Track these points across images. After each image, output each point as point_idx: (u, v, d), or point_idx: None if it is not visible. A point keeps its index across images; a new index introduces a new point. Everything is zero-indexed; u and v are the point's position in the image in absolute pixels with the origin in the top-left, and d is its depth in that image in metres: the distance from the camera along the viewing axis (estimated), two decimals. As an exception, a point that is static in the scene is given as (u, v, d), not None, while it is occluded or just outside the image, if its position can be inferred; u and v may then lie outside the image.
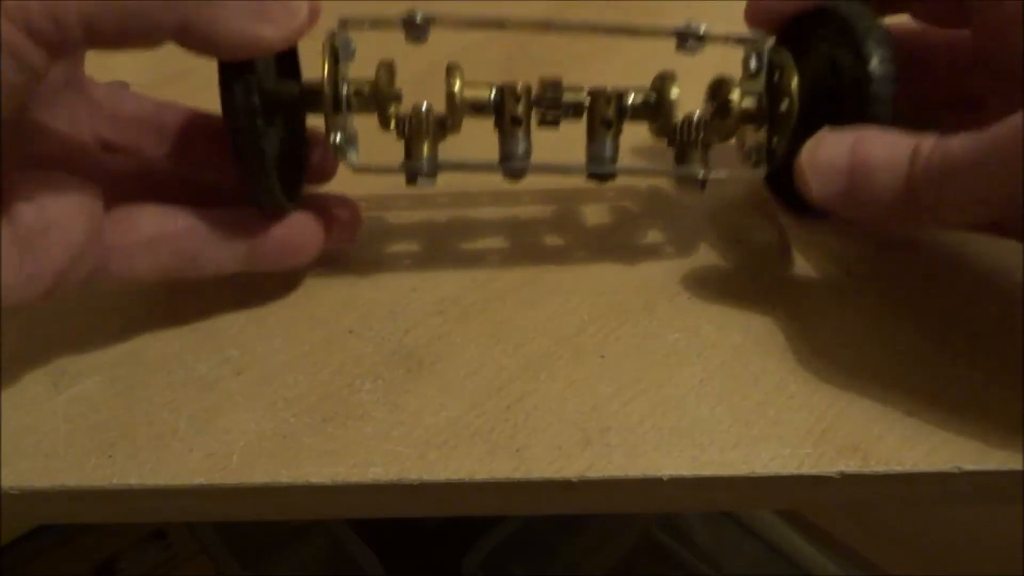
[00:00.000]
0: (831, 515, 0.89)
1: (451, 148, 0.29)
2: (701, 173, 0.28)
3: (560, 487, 0.25)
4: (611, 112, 0.28)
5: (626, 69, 0.31)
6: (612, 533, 0.94)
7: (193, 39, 0.23)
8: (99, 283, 0.27)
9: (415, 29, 0.27)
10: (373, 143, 0.29)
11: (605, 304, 0.30)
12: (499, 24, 0.28)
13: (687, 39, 0.28)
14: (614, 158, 0.28)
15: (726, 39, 0.29)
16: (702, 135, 0.28)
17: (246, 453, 0.25)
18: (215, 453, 0.25)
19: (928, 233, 0.31)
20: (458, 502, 0.26)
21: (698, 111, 0.28)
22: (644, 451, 0.25)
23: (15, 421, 0.26)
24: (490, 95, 0.28)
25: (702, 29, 0.28)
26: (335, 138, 0.27)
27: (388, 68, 0.28)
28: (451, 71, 0.28)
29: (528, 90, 0.28)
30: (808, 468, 0.25)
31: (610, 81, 0.29)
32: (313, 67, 0.28)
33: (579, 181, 0.29)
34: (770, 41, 0.29)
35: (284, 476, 0.25)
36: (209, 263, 0.28)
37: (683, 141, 0.28)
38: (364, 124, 0.29)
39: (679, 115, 0.28)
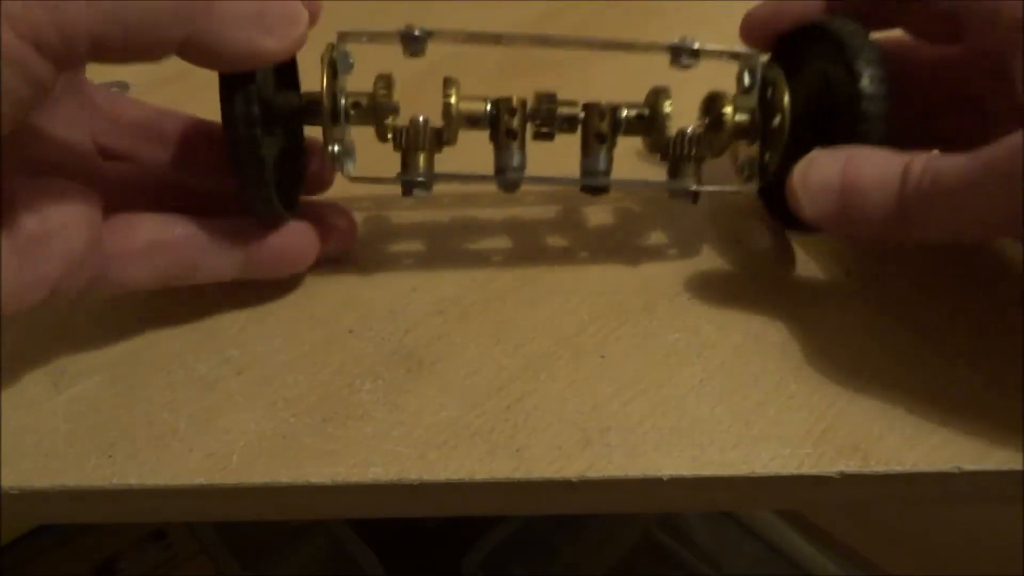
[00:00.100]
0: (831, 515, 0.89)
1: (448, 156, 0.29)
2: (693, 187, 0.29)
3: (560, 487, 0.25)
4: (605, 126, 0.28)
5: (625, 71, 0.31)
6: (612, 533, 0.93)
7: (197, 52, 0.24)
8: (97, 291, 0.27)
9: (413, 43, 0.28)
10: (370, 152, 0.29)
11: (605, 304, 0.30)
12: (495, 39, 0.29)
13: (681, 55, 0.28)
14: (608, 171, 0.29)
15: (720, 55, 0.29)
16: (695, 150, 0.29)
17: (246, 453, 0.25)
18: (215, 453, 0.25)
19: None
20: (458, 502, 0.26)
21: (691, 126, 0.29)
22: (644, 451, 0.25)
23: (15, 421, 0.26)
24: (486, 108, 0.28)
25: (695, 45, 0.28)
26: (333, 149, 0.28)
27: (386, 81, 0.28)
28: (448, 84, 0.28)
29: (523, 104, 0.28)
30: (808, 468, 0.25)
31: (609, 84, 0.29)
32: (312, 78, 0.28)
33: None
34: (763, 57, 0.29)
35: (284, 476, 0.25)
36: (206, 271, 0.28)
37: (676, 155, 0.29)
38: (361, 134, 0.29)
39: (672, 130, 0.29)
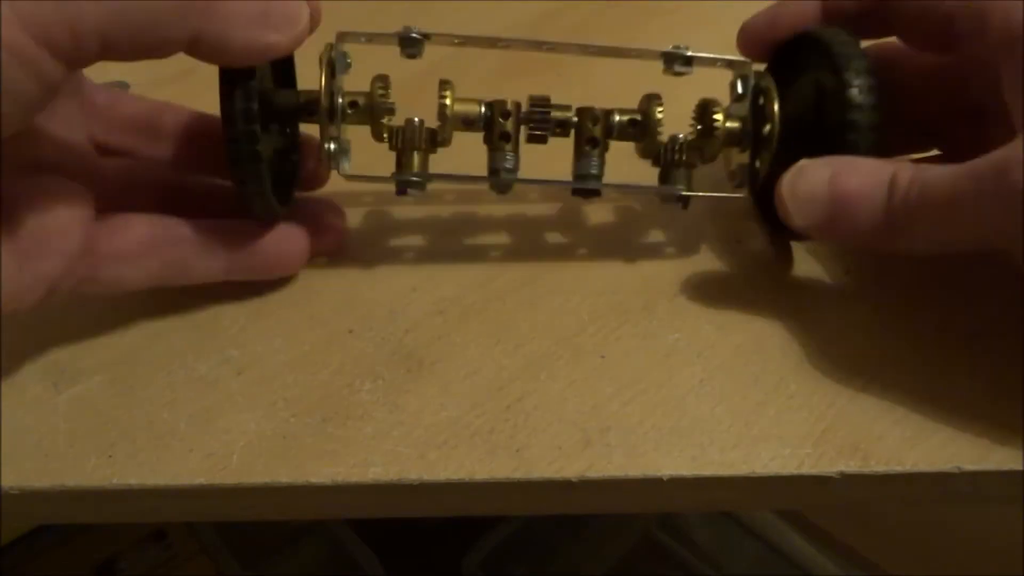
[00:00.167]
0: (831, 515, 0.89)
1: (444, 155, 0.29)
2: (683, 192, 0.29)
3: (560, 487, 0.25)
4: (598, 131, 0.29)
5: (624, 72, 0.31)
6: (612, 533, 0.93)
7: (204, 49, 0.24)
8: (88, 290, 0.27)
9: (410, 45, 0.28)
10: (366, 151, 0.29)
11: (605, 304, 0.30)
12: (491, 43, 0.29)
13: (674, 62, 0.29)
14: (599, 175, 0.29)
15: (713, 62, 0.29)
16: (685, 156, 0.29)
17: (246, 453, 0.25)
18: (215, 453, 0.25)
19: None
20: (458, 502, 0.26)
21: (682, 133, 0.29)
22: (644, 451, 0.25)
23: (15, 421, 0.26)
24: (480, 110, 0.28)
25: (688, 52, 0.29)
26: (329, 147, 0.28)
27: (383, 81, 0.28)
28: (443, 86, 0.28)
29: (517, 106, 0.29)
30: (808, 468, 0.25)
31: (608, 85, 0.29)
32: (309, 78, 0.28)
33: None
34: (756, 66, 0.30)
35: (284, 476, 0.25)
36: (197, 272, 0.28)
37: (667, 161, 0.29)
38: (357, 133, 0.29)
39: (665, 135, 0.29)
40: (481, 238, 0.32)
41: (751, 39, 0.30)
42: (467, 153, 0.29)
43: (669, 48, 0.29)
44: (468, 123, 0.28)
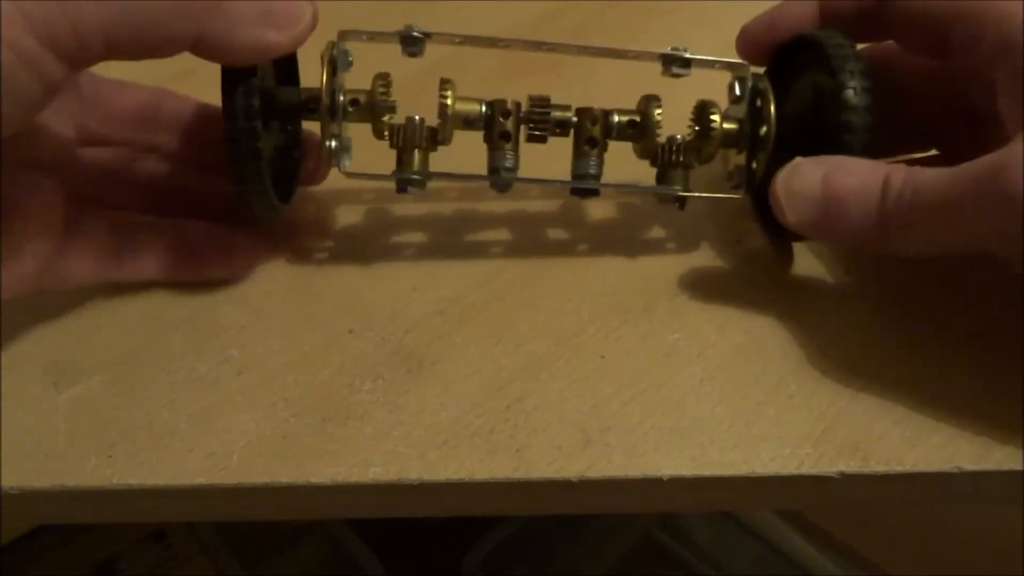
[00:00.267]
0: (831, 515, 0.89)
1: (445, 153, 0.29)
2: (680, 192, 0.29)
3: (560, 487, 0.25)
4: (597, 131, 0.29)
5: (625, 72, 0.31)
6: (612, 533, 0.93)
7: (207, 48, 0.24)
8: (48, 284, 0.27)
9: (411, 43, 0.28)
10: (367, 149, 0.29)
11: (605, 304, 0.30)
12: (491, 43, 0.29)
13: (672, 64, 0.29)
14: (598, 175, 0.29)
15: (711, 64, 0.29)
16: (683, 157, 0.29)
17: (246, 453, 0.25)
18: (215, 453, 0.25)
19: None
20: (458, 502, 0.26)
21: (680, 134, 0.29)
22: (644, 451, 0.25)
23: (15, 421, 0.26)
24: (480, 110, 0.29)
25: (686, 54, 0.29)
26: (330, 144, 0.28)
27: (384, 80, 0.29)
28: (444, 85, 0.28)
29: (517, 106, 0.29)
30: (808, 468, 0.25)
31: (609, 84, 0.29)
32: (311, 76, 0.28)
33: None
34: (754, 68, 0.30)
35: (284, 476, 0.25)
36: (133, 272, 0.29)
37: (665, 162, 0.29)
38: (357, 131, 0.29)
39: (663, 136, 0.29)
40: (481, 235, 0.32)
41: (750, 43, 0.30)
42: (467, 151, 0.29)
43: (668, 50, 0.29)
44: (468, 122, 0.29)
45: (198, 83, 0.29)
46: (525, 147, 0.29)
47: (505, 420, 0.26)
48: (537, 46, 0.29)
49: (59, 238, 0.27)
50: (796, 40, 0.29)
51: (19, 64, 0.21)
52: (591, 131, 0.29)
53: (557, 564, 0.92)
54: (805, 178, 0.26)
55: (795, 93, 0.29)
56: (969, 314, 0.29)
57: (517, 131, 0.29)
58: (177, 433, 0.26)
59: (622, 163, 0.30)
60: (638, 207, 0.33)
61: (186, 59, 0.25)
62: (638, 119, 0.29)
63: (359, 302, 0.30)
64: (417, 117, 0.28)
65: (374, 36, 0.28)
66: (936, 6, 0.26)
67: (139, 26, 0.22)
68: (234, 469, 0.25)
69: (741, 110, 0.30)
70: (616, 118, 0.29)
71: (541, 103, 0.29)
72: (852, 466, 0.25)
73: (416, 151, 0.28)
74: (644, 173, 0.30)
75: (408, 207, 0.33)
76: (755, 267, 0.31)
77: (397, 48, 0.28)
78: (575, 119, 0.29)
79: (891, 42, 0.30)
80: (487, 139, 0.29)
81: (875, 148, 0.27)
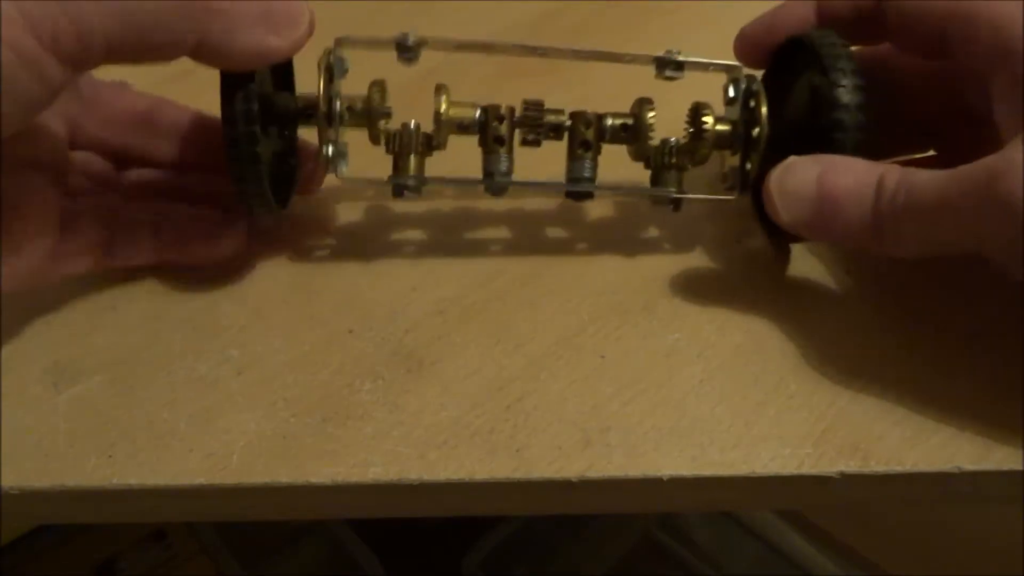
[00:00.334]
0: (831, 515, 0.89)
1: (441, 157, 0.29)
2: (674, 193, 0.29)
3: (560, 487, 0.25)
4: (591, 134, 0.29)
5: (623, 73, 0.31)
6: (612, 533, 0.93)
7: (207, 53, 0.24)
8: (46, 279, 0.27)
9: (407, 50, 0.28)
10: (364, 152, 0.29)
11: (605, 304, 0.30)
12: (486, 48, 0.29)
13: (665, 67, 0.29)
14: (592, 178, 0.29)
15: (705, 67, 0.30)
16: (676, 159, 0.29)
17: (246, 453, 0.25)
18: (215, 453, 0.25)
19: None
20: (458, 502, 0.26)
21: (674, 137, 0.29)
22: (644, 451, 0.25)
23: (15, 421, 0.26)
24: (475, 115, 0.29)
25: (680, 57, 0.29)
26: (327, 150, 0.28)
27: (380, 86, 0.29)
28: (439, 91, 0.29)
29: (511, 111, 0.29)
30: (808, 468, 0.25)
31: (607, 85, 0.29)
32: (305, 82, 0.28)
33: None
34: (748, 70, 0.30)
35: (284, 476, 0.25)
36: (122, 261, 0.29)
37: (659, 164, 0.29)
38: (353, 135, 0.29)
39: (657, 138, 0.29)
40: (481, 235, 0.32)
41: (748, 45, 0.30)
42: (464, 155, 0.29)
43: (662, 53, 0.29)
44: (463, 127, 0.29)
45: (196, 84, 0.29)
46: (521, 148, 0.29)
47: (505, 420, 0.26)
48: (532, 51, 0.30)
49: (56, 235, 0.27)
50: (791, 41, 0.29)
51: (20, 65, 0.21)
52: (585, 134, 0.29)
53: (557, 564, 0.92)
54: (799, 177, 0.26)
55: (793, 95, 0.30)
56: (969, 314, 0.29)
57: (511, 135, 0.29)
58: (177, 433, 0.26)
59: (618, 164, 0.30)
60: (637, 207, 0.33)
61: (185, 60, 0.25)
62: (631, 122, 0.29)
63: (359, 301, 0.30)
64: (412, 123, 0.28)
65: (370, 43, 0.28)
66: (932, 7, 0.26)
67: (140, 29, 0.23)
68: (234, 469, 0.25)
69: (735, 112, 0.30)
70: (609, 121, 0.29)
71: (535, 107, 0.29)
72: (852, 466, 0.25)
73: (412, 156, 0.29)
74: (640, 173, 0.30)
75: (407, 206, 0.33)
76: (755, 267, 0.31)
77: (393, 52, 0.28)
78: (569, 123, 0.29)
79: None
80: (482, 143, 0.29)
81: (873, 148, 0.27)
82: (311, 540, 0.94)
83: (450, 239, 0.32)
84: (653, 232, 0.32)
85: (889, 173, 0.25)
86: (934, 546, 0.81)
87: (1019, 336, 0.28)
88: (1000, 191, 0.22)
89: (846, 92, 0.26)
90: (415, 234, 0.32)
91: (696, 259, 0.31)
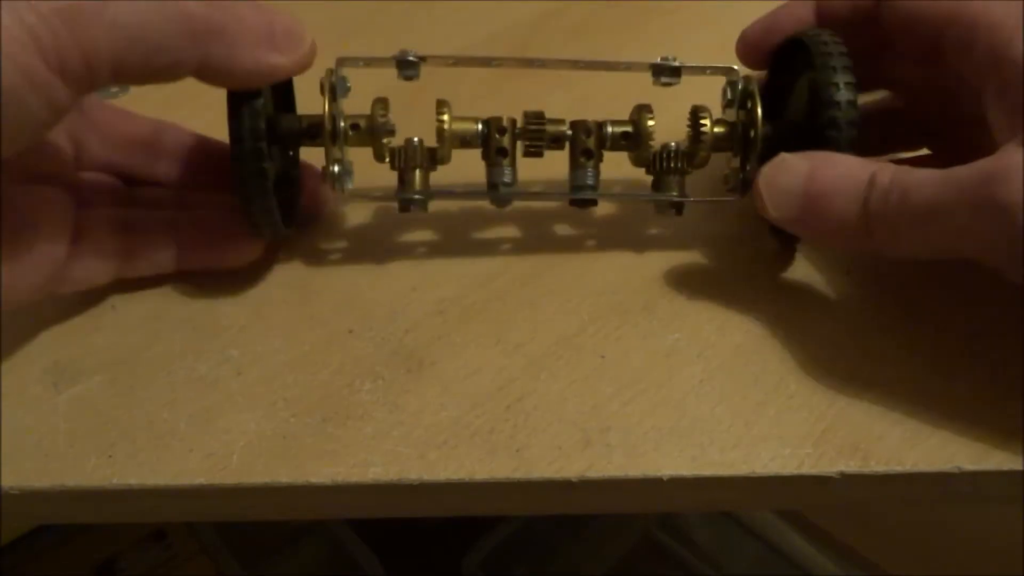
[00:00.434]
0: (831, 515, 0.89)
1: (443, 168, 0.29)
2: (676, 197, 0.30)
3: (560, 487, 0.25)
4: (592, 143, 0.29)
5: (619, 73, 0.31)
6: (612, 533, 0.93)
7: (212, 73, 0.25)
8: (65, 288, 0.28)
9: (407, 67, 0.29)
10: (366, 166, 0.29)
11: (605, 304, 0.30)
12: (484, 62, 0.30)
13: (661, 73, 0.30)
14: (595, 186, 0.30)
15: (702, 71, 0.30)
16: (677, 163, 0.29)
17: (246, 453, 0.25)
18: (215, 453, 0.25)
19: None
20: (458, 502, 0.26)
21: (674, 142, 0.29)
22: (644, 451, 0.25)
23: (15, 421, 0.26)
24: (477, 128, 0.29)
25: (676, 62, 0.29)
26: (333, 169, 0.29)
27: (382, 103, 0.29)
28: (440, 106, 0.29)
29: (513, 122, 0.29)
30: (808, 468, 0.25)
31: (609, 85, 0.29)
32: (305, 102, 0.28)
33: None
34: (743, 71, 0.30)
35: (284, 476, 0.25)
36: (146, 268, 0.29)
37: (660, 169, 0.30)
38: (359, 154, 0.29)
39: (657, 144, 0.29)
40: (481, 235, 0.32)
41: (750, 47, 0.30)
42: (466, 163, 0.29)
43: (658, 60, 0.29)
44: (466, 141, 0.29)
45: (196, 83, 0.29)
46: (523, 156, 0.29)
47: (505, 420, 0.26)
48: (528, 63, 0.30)
49: (70, 244, 0.27)
50: (790, 42, 0.29)
51: (28, 89, 0.21)
52: (586, 143, 0.29)
53: (557, 564, 0.92)
54: (789, 173, 0.26)
55: (793, 95, 0.30)
56: (969, 314, 0.29)
57: (513, 147, 0.29)
58: (177, 433, 0.26)
59: (619, 163, 0.30)
60: (637, 207, 0.33)
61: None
62: (631, 130, 0.30)
63: (359, 301, 0.30)
64: (416, 138, 0.29)
65: (371, 62, 0.29)
66: (930, 7, 0.26)
67: (146, 51, 0.23)
68: (234, 469, 0.25)
69: (732, 114, 0.30)
70: (610, 129, 0.29)
71: (536, 119, 0.29)
72: (852, 466, 0.25)
73: (417, 171, 0.29)
74: (642, 173, 0.30)
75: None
76: (755, 267, 0.31)
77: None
78: (569, 132, 0.29)
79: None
80: (485, 156, 0.29)
81: (872, 148, 0.27)
82: (311, 540, 0.94)
83: (450, 239, 0.32)
84: (653, 232, 0.32)
85: (882, 171, 0.25)
86: (934, 546, 0.81)
87: (1019, 336, 0.28)
88: (999, 197, 0.22)
89: (838, 89, 0.26)
90: (415, 234, 0.32)
91: (696, 259, 0.31)
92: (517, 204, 0.31)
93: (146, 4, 0.23)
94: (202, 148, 0.31)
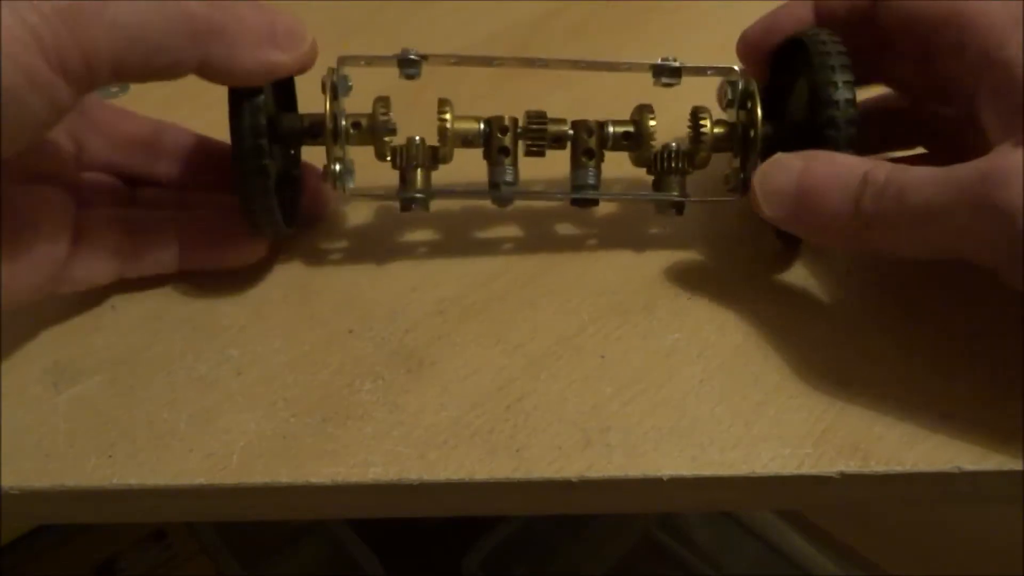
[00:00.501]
0: (831, 515, 0.89)
1: (444, 167, 0.29)
2: (677, 197, 0.30)
3: (560, 487, 0.25)
4: (593, 142, 0.29)
5: (619, 75, 0.31)
6: (612, 533, 0.93)
7: (212, 71, 0.25)
8: (68, 288, 0.28)
9: (409, 66, 0.29)
10: (367, 165, 0.29)
11: (605, 304, 0.30)
12: (485, 62, 0.30)
13: (662, 73, 0.30)
14: (596, 186, 0.30)
15: (702, 71, 0.30)
16: (678, 164, 0.29)
17: (246, 453, 0.25)
18: (215, 453, 0.25)
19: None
20: (458, 502, 0.26)
21: (675, 142, 0.30)
22: (644, 451, 0.25)
23: (15, 421, 0.26)
24: (479, 128, 0.29)
25: (676, 63, 0.29)
26: (334, 168, 0.29)
27: (384, 102, 0.29)
28: (442, 105, 0.29)
29: (515, 122, 0.29)
30: (808, 468, 0.25)
31: (610, 85, 0.29)
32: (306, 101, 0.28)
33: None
34: (743, 72, 0.30)
35: (284, 476, 0.25)
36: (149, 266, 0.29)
37: (661, 170, 0.30)
38: (357, 150, 0.29)
39: (658, 144, 0.29)
40: (481, 235, 0.32)
41: (750, 47, 0.30)
42: (467, 162, 0.29)
43: (658, 60, 0.30)
44: (467, 141, 0.29)
45: (196, 83, 0.29)
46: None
47: (505, 420, 0.26)
48: (530, 63, 0.30)
49: (71, 244, 0.27)
50: (788, 42, 0.30)
51: (30, 89, 0.21)
52: (587, 143, 0.29)
53: (557, 564, 0.92)
54: (783, 172, 0.26)
55: (793, 95, 0.30)
56: (969, 314, 0.29)
57: (515, 146, 0.29)
58: (177, 433, 0.26)
59: (620, 163, 0.30)
60: (638, 207, 0.33)
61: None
62: (632, 130, 0.30)
63: (359, 301, 0.30)
64: (417, 137, 0.29)
65: (372, 61, 0.29)
66: (924, 7, 0.26)
67: (146, 51, 0.23)
68: (234, 469, 0.25)
69: (732, 114, 0.30)
70: (611, 129, 0.29)
71: (538, 119, 0.29)
72: (852, 466, 0.25)
73: (418, 170, 0.29)
74: (643, 174, 0.30)
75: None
76: (755, 267, 0.31)
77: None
78: (571, 132, 0.29)
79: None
80: (487, 155, 0.29)
81: (872, 147, 0.27)
82: (311, 540, 0.94)
83: (450, 239, 0.32)
84: (654, 232, 0.32)
85: (877, 168, 0.25)
86: (934, 546, 0.81)
87: (1019, 336, 0.28)
88: (998, 200, 0.22)
89: (836, 88, 0.27)
90: (416, 234, 0.32)
91: (696, 259, 0.31)
92: (518, 204, 0.31)
93: (147, 4, 0.23)
94: (203, 148, 0.31)
